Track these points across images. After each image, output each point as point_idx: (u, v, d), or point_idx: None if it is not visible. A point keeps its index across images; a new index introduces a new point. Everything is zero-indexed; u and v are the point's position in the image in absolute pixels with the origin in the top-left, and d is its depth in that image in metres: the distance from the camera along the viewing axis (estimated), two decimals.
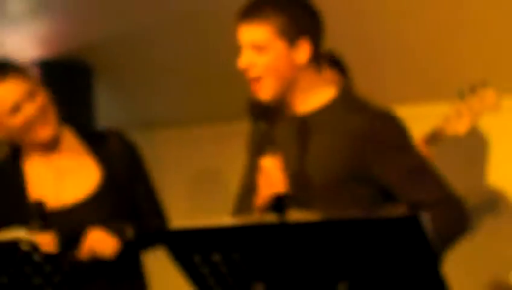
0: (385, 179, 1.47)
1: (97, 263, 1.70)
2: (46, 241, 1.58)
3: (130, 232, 1.70)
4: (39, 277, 1.48)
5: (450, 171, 1.64)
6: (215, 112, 3.22)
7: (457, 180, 1.61)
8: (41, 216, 1.64)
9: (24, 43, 3.26)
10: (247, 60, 1.48)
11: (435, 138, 2.14)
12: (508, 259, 2.51)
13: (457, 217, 1.47)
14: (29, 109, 1.72)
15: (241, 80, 1.57)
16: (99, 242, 1.67)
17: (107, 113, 3.50)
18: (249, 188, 1.55)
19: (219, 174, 3.30)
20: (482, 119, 2.18)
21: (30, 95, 1.73)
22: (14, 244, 1.47)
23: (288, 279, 1.14)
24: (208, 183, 3.35)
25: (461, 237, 1.47)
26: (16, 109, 1.71)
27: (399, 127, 1.51)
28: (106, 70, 3.43)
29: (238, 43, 1.51)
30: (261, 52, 1.46)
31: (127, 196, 1.81)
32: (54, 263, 1.56)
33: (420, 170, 1.49)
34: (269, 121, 1.48)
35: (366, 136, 1.45)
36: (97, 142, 1.85)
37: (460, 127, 2.11)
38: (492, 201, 2.61)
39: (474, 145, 2.59)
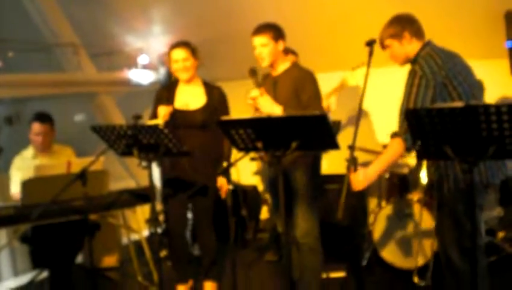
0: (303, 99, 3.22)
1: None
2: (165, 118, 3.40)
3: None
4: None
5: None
6: None
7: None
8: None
9: None
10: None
11: (339, 88, 4.10)
12: None
13: None
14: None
15: None
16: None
17: None
18: None
19: None
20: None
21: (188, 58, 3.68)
22: (156, 125, 2.99)
23: (273, 139, 2.71)
24: None
25: None
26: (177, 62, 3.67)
27: (313, 76, 3.27)
28: None
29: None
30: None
31: (215, 113, 3.50)
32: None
33: (317, 97, 3.26)
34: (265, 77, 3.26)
35: (300, 79, 3.21)
36: (209, 86, 3.64)
37: (350, 82, 4.03)
38: None
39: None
